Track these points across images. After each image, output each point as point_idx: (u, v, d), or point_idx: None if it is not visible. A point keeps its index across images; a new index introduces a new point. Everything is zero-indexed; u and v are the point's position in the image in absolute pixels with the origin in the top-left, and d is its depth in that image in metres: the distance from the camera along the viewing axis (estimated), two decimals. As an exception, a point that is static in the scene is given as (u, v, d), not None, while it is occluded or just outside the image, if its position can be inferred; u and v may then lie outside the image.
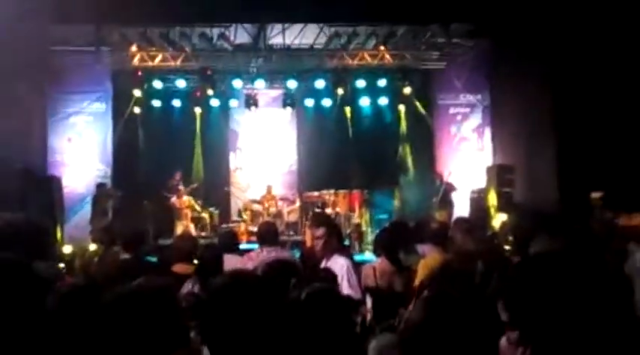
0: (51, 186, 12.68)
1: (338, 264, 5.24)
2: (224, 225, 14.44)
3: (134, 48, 14.03)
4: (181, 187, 14.48)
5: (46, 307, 1.65)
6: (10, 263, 1.59)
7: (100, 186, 13.91)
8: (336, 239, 5.98)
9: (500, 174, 12.95)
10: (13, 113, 11.27)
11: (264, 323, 2.39)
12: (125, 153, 15.16)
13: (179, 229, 13.92)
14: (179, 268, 5.56)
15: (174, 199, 14.37)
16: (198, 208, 14.74)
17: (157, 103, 15.76)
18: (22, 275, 1.60)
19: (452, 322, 1.54)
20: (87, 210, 13.79)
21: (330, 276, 4.65)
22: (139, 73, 14.76)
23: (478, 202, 13.39)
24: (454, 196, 14.21)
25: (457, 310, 1.55)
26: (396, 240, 5.79)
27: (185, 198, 14.37)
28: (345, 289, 4.96)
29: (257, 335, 2.35)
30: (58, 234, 12.12)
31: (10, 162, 11.25)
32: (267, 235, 6.11)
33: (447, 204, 14.06)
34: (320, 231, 5.64)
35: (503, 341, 2.15)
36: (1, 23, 9.59)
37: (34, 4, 9.19)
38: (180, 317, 2.69)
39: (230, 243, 6.53)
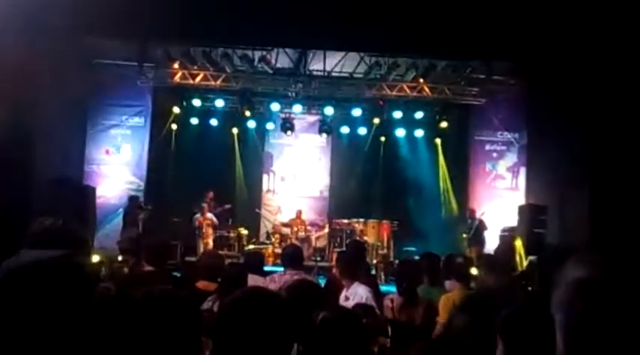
0: (85, 195, 12.89)
1: (357, 295, 5.21)
2: (251, 246, 14.44)
3: (176, 65, 14.23)
4: (204, 205, 14.52)
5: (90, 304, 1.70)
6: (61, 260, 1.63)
7: (132, 199, 14.10)
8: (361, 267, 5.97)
9: (532, 215, 12.77)
10: (54, 122, 11.52)
11: (277, 343, 2.36)
12: (159, 168, 15.39)
13: (201, 247, 13.96)
14: (202, 285, 5.58)
15: (197, 216, 14.43)
16: (216, 223, 14.61)
17: (194, 121, 15.97)
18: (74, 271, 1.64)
19: None
20: (118, 221, 13.99)
21: (368, 310, 4.63)
22: (179, 91, 15.01)
23: (507, 241, 13.22)
24: (486, 234, 14.10)
25: None
26: (414, 274, 5.76)
27: (208, 215, 14.41)
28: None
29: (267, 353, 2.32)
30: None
31: (47, 169, 11.48)
32: (292, 258, 6.10)
33: (478, 241, 13.96)
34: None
35: None
36: (46, 34, 9.81)
37: (81, 16, 9.38)
38: (198, 331, 2.69)
39: (255, 263, 6.53)
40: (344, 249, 12.81)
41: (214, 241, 14.50)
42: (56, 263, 1.63)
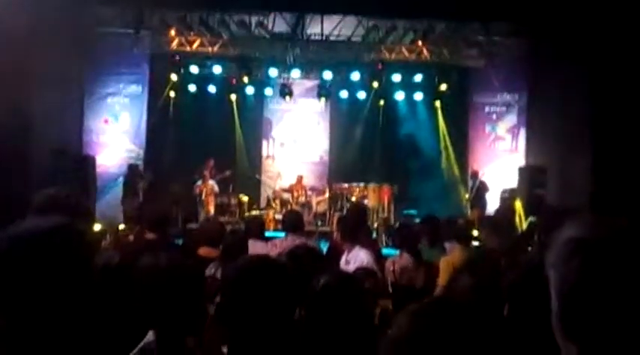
0: (85, 165, 12.90)
1: (359, 258, 5.24)
2: (251, 213, 14.48)
3: (173, 32, 14.12)
4: (206, 173, 14.51)
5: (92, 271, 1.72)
6: (62, 224, 1.65)
7: (131, 168, 14.12)
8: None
9: (532, 176, 12.79)
10: (51, 92, 11.47)
11: (280, 309, 2.39)
12: (158, 136, 15.35)
13: (202, 214, 14.01)
14: (204, 251, 5.60)
15: (198, 184, 14.43)
16: (216, 190, 14.64)
17: (192, 88, 15.86)
18: (74, 236, 1.66)
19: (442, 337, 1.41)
20: (118, 190, 14.00)
21: (370, 273, 4.66)
22: (177, 57, 14.88)
23: (507, 202, 13.26)
24: (487, 196, 14.13)
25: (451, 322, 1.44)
26: (416, 235, 5.80)
27: (210, 182, 14.41)
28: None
29: (273, 321, 2.35)
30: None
31: (46, 140, 11.47)
32: (293, 223, 6.13)
33: (479, 203, 13.98)
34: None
35: None
36: (42, 3, 9.71)
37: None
38: (201, 299, 2.72)
39: (256, 229, 6.54)
40: (345, 213, 12.84)
41: (214, 208, 14.55)
42: (57, 230, 1.63)
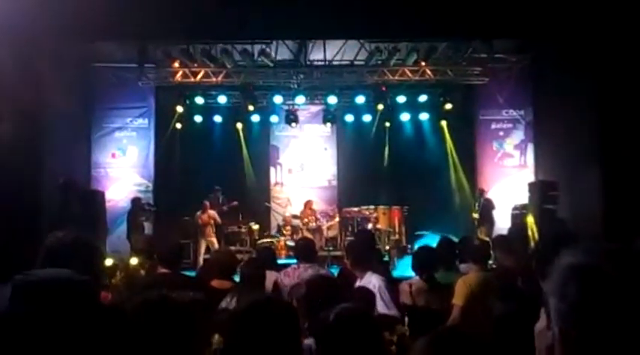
0: (94, 199, 12.93)
1: (371, 284, 5.20)
2: (262, 240, 14.40)
3: (176, 64, 14.21)
4: (206, 202, 14.25)
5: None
6: (64, 279, 1.65)
7: (134, 201, 14.02)
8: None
9: (543, 191, 12.69)
10: (59, 129, 11.53)
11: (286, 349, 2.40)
12: (166, 168, 15.40)
13: (202, 245, 13.82)
14: (217, 283, 5.59)
15: (198, 214, 14.07)
16: (219, 221, 14.22)
17: (198, 119, 15.95)
18: (74, 291, 1.66)
19: None
20: (127, 224, 13.98)
21: (368, 295, 4.63)
22: (181, 89, 14.97)
23: (519, 219, 13.17)
24: (495, 213, 14.05)
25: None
26: (432, 259, 5.75)
27: (211, 212, 14.11)
28: (380, 308, 4.91)
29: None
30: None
31: (54, 175, 11.51)
32: (305, 251, 6.10)
33: (487, 220, 13.91)
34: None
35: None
36: (45, 40, 9.80)
37: (77, 21, 9.35)
38: (194, 336, 2.68)
39: (268, 258, 6.54)
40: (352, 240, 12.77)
41: (225, 237, 14.43)
42: (52, 282, 1.63)
